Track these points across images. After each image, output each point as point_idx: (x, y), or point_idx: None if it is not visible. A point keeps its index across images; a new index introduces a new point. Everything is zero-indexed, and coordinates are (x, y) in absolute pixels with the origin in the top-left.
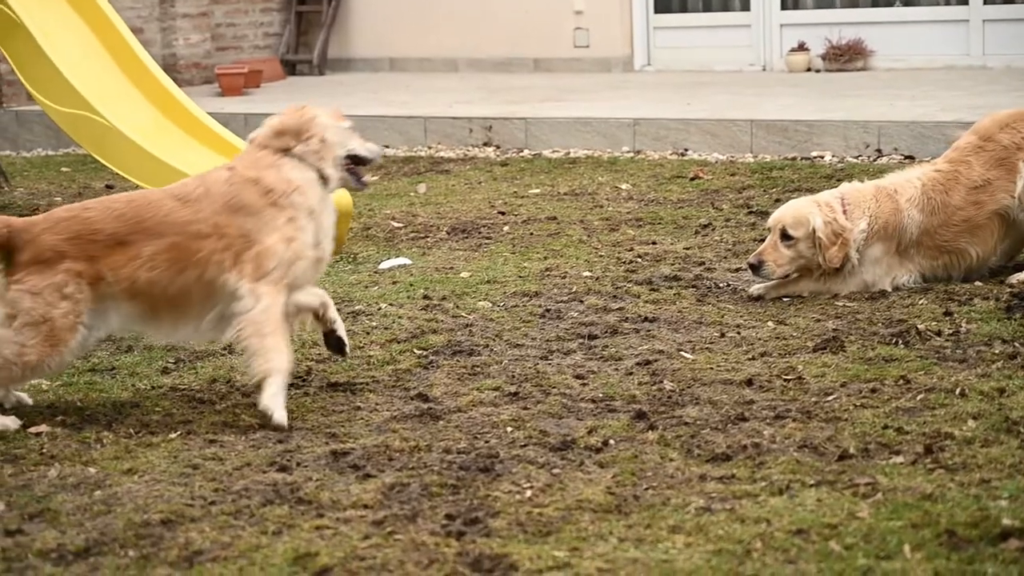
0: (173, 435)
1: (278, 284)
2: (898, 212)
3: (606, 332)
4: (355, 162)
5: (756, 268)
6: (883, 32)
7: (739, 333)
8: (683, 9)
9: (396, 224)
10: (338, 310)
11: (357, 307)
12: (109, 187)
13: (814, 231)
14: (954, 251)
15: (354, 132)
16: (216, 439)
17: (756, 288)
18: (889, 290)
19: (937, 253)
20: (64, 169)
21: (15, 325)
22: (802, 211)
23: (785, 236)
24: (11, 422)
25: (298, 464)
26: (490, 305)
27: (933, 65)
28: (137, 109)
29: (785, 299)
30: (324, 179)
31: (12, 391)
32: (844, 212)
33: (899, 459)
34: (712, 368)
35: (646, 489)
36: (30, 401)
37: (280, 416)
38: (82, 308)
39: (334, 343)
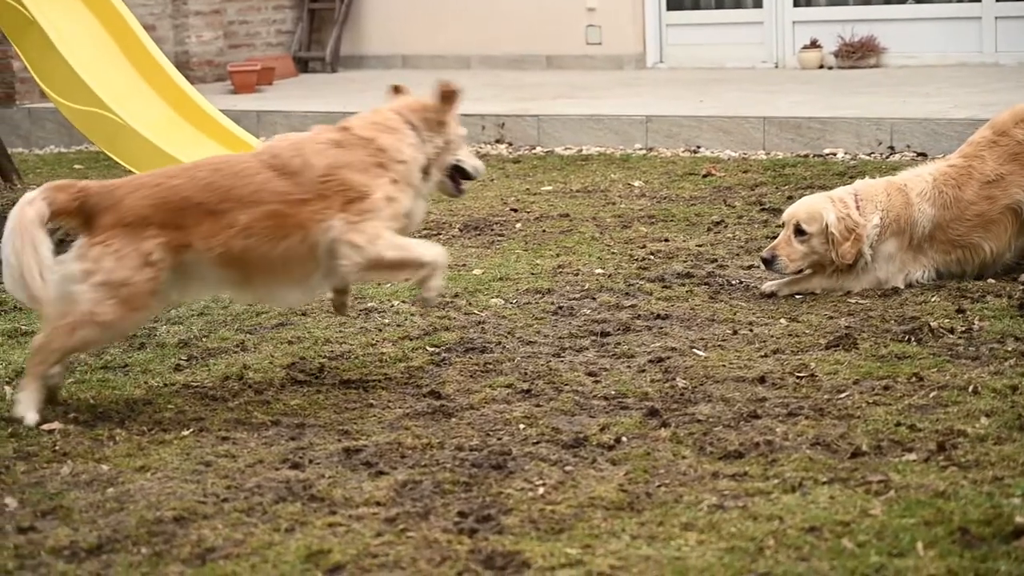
0: (185, 432)
1: (377, 219)
2: (909, 206)
3: (618, 329)
4: (459, 172)
5: (769, 262)
6: (896, 29)
7: (751, 330)
8: (695, 6)
9: None
10: (349, 307)
11: (369, 304)
12: None
13: (827, 227)
14: (967, 246)
15: (465, 142)
16: (229, 436)
17: (768, 285)
18: (902, 287)
19: (950, 248)
20: (77, 166)
21: (92, 281)
22: (816, 206)
23: (799, 231)
24: (31, 416)
25: (310, 461)
26: (502, 302)
27: (945, 62)
28: (150, 106)
29: (797, 296)
30: (426, 172)
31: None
32: (857, 208)
33: (912, 456)
34: (724, 365)
35: (658, 486)
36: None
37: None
38: (163, 276)
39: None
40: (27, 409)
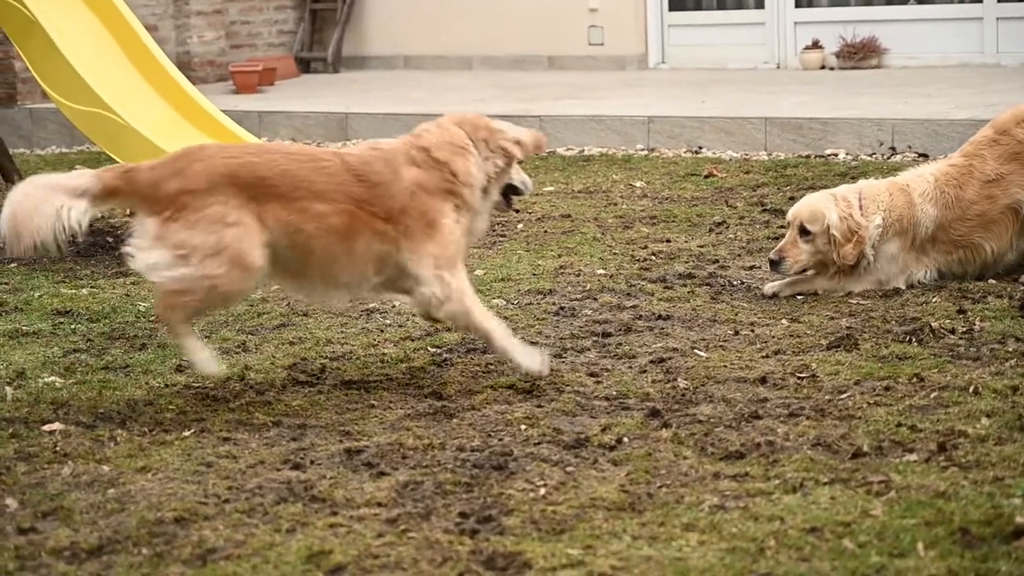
0: (187, 433)
1: (457, 264)
2: (912, 207)
3: (620, 330)
4: (511, 189)
5: (776, 264)
6: (897, 30)
7: (753, 331)
8: (698, 7)
9: None
10: (351, 308)
11: (371, 305)
12: None
13: (829, 227)
14: (968, 246)
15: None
16: (230, 437)
17: (770, 286)
18: (903, 287)
19: (952, 248)
20: (78, 167)
21: (194, 261)
22: (818, 206)
23: (804, 232)
24: (213, 366)
25: (312, 462)
26: (504, 303)
27: (947, 63)
28: (151, 107)
29: (799, 297)
30: (485, 192)
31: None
32: (860, 208)
33: (913, 457)
34: (726, 366)
35: (660, 487)
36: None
37: (534, 363)
38: (256, 235)
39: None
40: (206, 362)
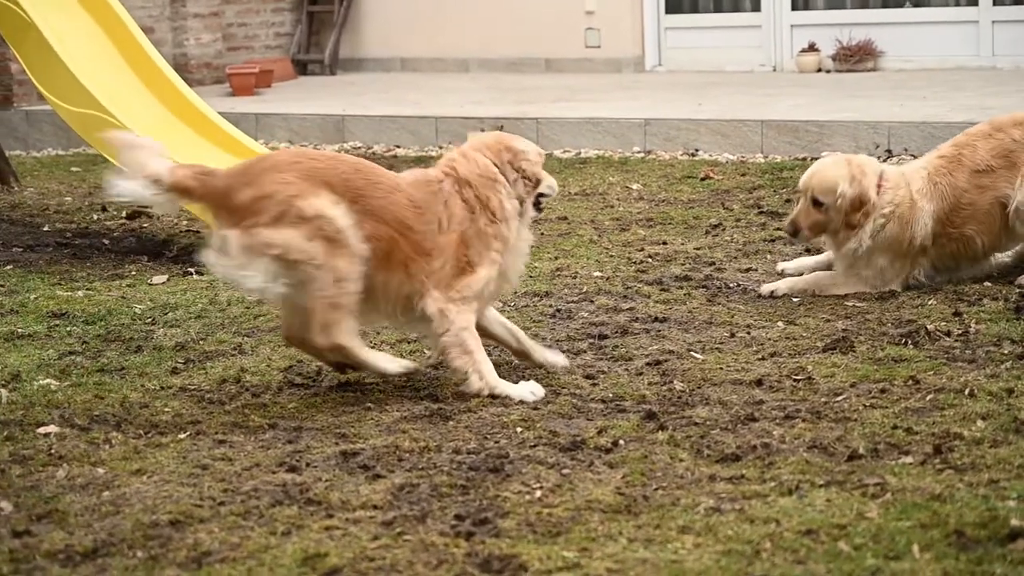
0: (182, 435)
1: (468, 304)
2: (913, 207)
3: (616, 332)
4: (539, 195)
5: (794, 235)
6: (893, 33)
7: (749, 333)
8: (694, 9)
9: None
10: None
11: None
12: None
13: (839, 197)
14: (961, 239)
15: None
16: (225, 439)
17: (767, 287)
18: (899, 289)
19: (946, 241)
20: (74, 169)
21: (310, 272)
22: (831, 176)
23: (816, 203)
24: (395, 365)
25: (307, 464)
26: (501, 305)
27: (943, 66)
28: (148, 109)
29: (795, 299)
30: (521, 216)
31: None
32: (879, 187)
33: (908, 459)
34: (722, 368)
35: (656, 489)
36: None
37: (524, 392)
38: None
39: (538, 363)
40: (389, 362)
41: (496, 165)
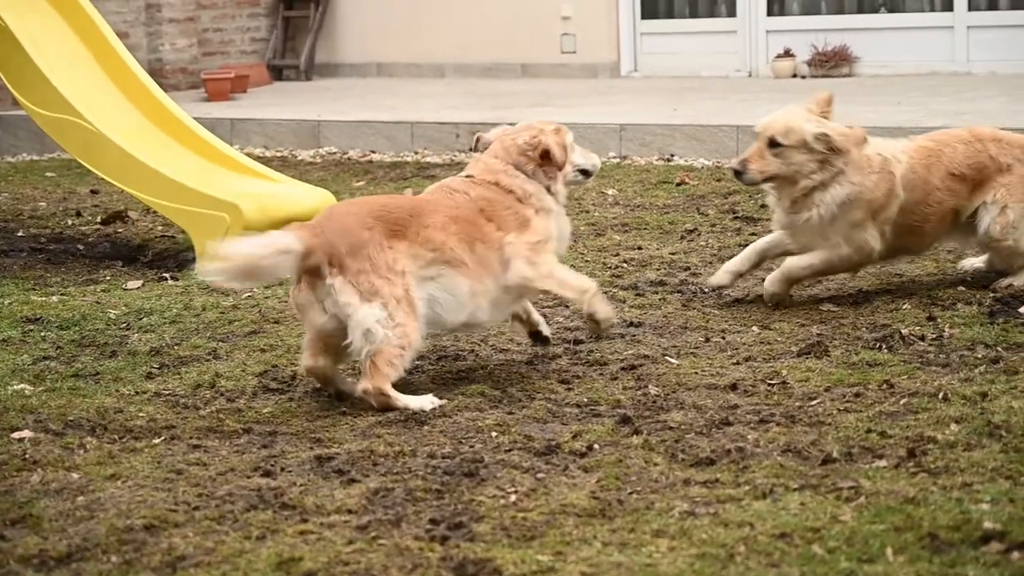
0: (157, 440)
1: (546, 249)
2: (891, 190)
3: (591, 337)
4: (582, 173)
5: (739, 174)
6: (868, 38)
7: (724, 338)
8: (670, 15)
9: None
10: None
11: None
12: (94, 192)
13: (806, 140)
14: (917, 232)
15: (574, 145)
16: (200, 444)
17: (714, 278)
18: (875, 255)
19: (902, 232)
20: (49, 174)
21: (389, 313)
22: (793, 119)
23: (773, 143)
24: (427, 402)
25: (282, 469)
26: None
27: (918, 71)
28: (123, 114)
29: (769, 304)
30: (552, 193)
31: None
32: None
33: (882, 463)
34: (697, 373)
35: (630, 493)
36: None
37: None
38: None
39: (539, 339)
40: (427, 400)
41: (509, 163)
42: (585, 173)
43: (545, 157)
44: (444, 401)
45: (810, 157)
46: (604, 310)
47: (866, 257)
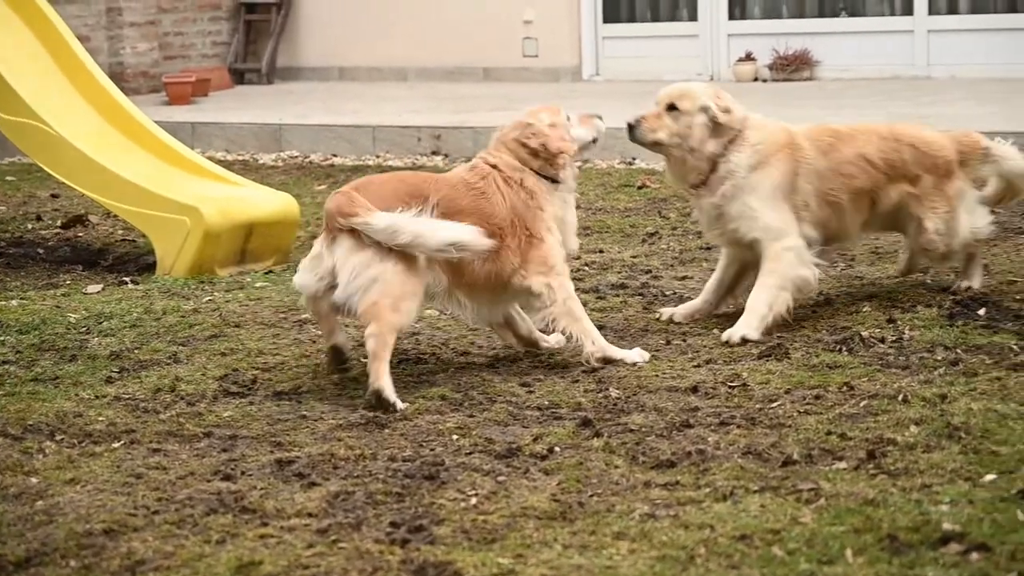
0: (116, 445)
1: (564, 273)
2: (797, 149)
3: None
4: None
5: (633, 129)
6: (829, 42)
7: (685, 340)
8: (632, 19)
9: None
10: (283, 318)
11: (304, 316)
12: (55, 196)
13: (702, 107)
14: (835, 205)
15: (569, 122)
16: (160, 448)
17: (667, 311)
18: (793, 239)
19: (822, 203)
20: (9, 178)
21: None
22: (692, 88)
23: (671, 107)
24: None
25: (242, 473)
26: (437, 313)
27: (878, 75)
28: (84, 118)
29: (731, 307)
30: (557, 182)
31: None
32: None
33: (842, 465)
34: (658, 375)
35: (591, 496)
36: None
37: (634, 355)
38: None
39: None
40: (394, 395)
41: (517, 158)
42: (594, 141)
43: (547, 149)
44: (405, 405)
45: (703, 124)
46: (616, 353)
47: (797, 239)
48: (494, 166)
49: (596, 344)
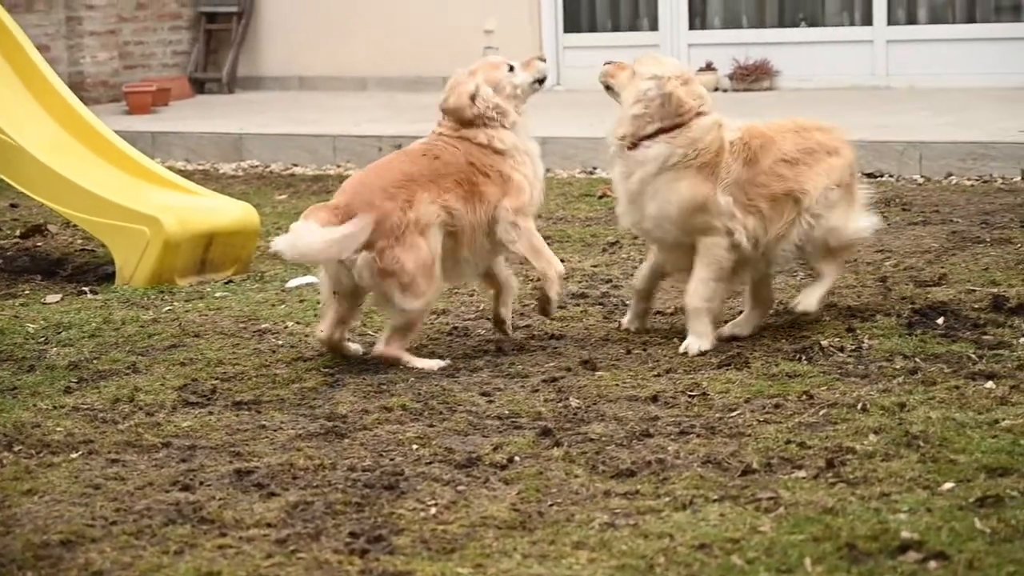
0: (74, 455)
1: (527, 212)
2: (722, 148)
3: (513, 349)
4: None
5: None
6: (789, 52)
7: (645, 350)
8: (592, 29)
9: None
10: (243, 328)
11: (263, 326)
12: (13, 205)
13: (652, 77)
14: (757, 213)
15: (512, 71)
16: (118, 459)
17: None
18: (724, 242)
19: (744, 212)
20: None
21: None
22: (661, 60)
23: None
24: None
25: (201, 483)
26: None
27: (838, 85)
28: (43, 127)
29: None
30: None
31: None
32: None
33: (801, 473)
34: (618, 385)
35: (551, 505)
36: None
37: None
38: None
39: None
40: (431, 363)
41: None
42: (539, 82)
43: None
44: (448, 362)
45: (645, 92)
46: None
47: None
48: (440, 134)
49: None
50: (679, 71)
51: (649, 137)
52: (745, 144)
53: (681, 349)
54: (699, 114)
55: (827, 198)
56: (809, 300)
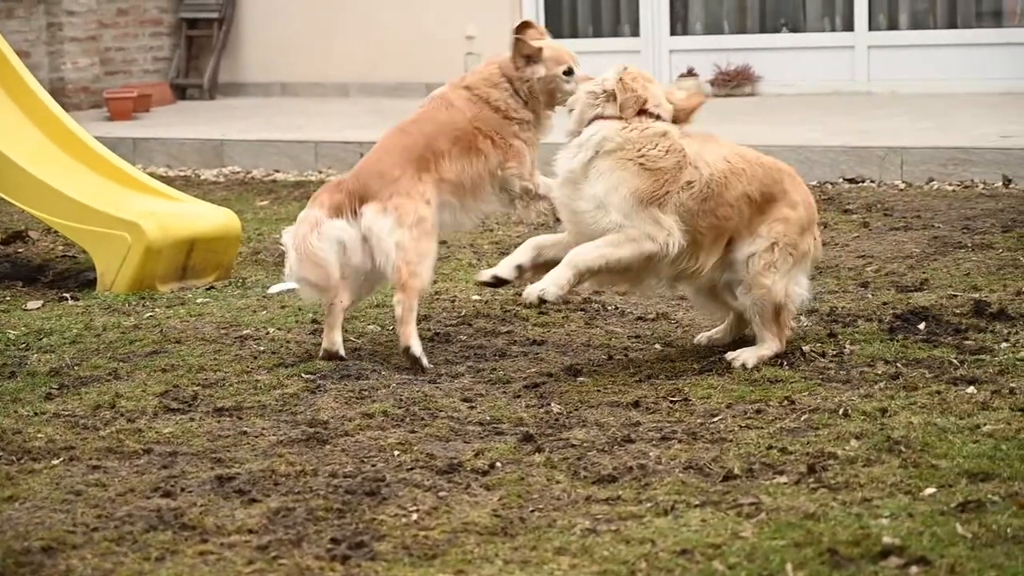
0: (56, 461)
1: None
2: (683, 153)
3: (495, 355)
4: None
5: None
6: (770, 58)
7: (627, 355)
8: (574, 34)
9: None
10: (224, 334)
11: (245, 331)
12: None
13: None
14: (714, 227)
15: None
16: (99, 465)
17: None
18: (660, 243)
19: (706, 218)
20: None
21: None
22: (618, 66)
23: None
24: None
25: (182, 489)
26: (379, 329)
27: (819, 90)
28: (23, 133)
29: (672, 320)
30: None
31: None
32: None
33: (783, 479)
34: (599, 390)
35: (532, 511)
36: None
37: None
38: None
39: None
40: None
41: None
42: (568, 73)
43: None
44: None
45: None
46: None
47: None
48: (467, 87)
49: None
50: (641, 72)
51: (590, 123)
52: (711, 174)
53: (527, 290)
54: (655, 117)
55: (766, 255)
56: (747, 356)
